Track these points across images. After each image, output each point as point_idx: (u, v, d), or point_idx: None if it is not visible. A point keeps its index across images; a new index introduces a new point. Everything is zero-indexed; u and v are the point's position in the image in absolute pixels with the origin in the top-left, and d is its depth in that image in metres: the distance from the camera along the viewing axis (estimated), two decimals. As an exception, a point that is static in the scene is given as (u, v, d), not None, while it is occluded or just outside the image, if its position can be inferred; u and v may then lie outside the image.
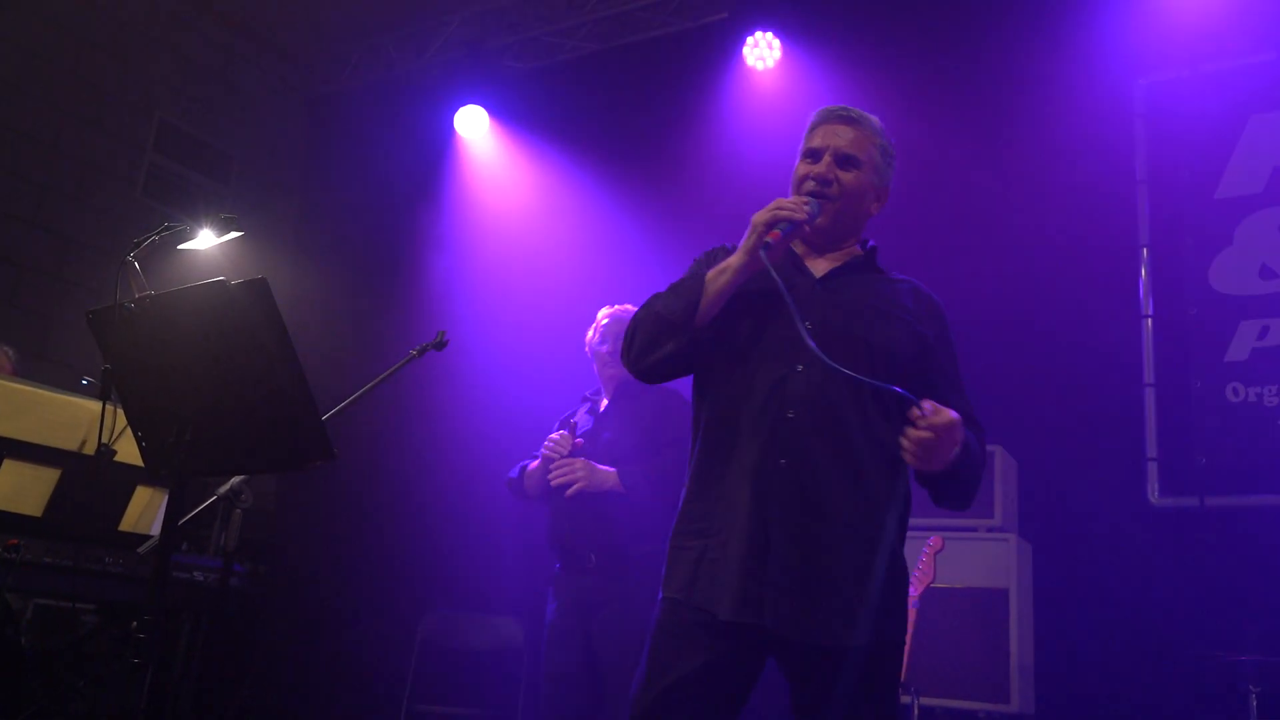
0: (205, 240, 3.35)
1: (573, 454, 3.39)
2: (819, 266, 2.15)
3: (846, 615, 1.90)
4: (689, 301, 2.01)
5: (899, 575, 1.99)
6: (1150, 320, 4.35)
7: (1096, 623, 4.01)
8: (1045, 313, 4.36)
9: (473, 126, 5.86)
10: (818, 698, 1.93)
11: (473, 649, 5.01)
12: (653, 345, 2.05)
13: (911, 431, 1.81)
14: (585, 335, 3.71)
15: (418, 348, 3.20)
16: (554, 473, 3.35)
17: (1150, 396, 4.26)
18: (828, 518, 1.93)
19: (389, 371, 3.06)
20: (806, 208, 2.01)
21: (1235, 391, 4.14)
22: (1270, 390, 4.06)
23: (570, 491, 3.30)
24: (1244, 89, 4.32)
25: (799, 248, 2.18)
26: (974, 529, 3.81)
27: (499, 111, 5.89)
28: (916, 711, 3.47)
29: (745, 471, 1.99)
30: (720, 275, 2.01)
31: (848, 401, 1.96)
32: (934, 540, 3.57)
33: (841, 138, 2.12)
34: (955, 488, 1.99)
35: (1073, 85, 4.50)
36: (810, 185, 2.10)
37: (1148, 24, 4.44)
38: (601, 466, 3.35)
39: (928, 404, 1.80)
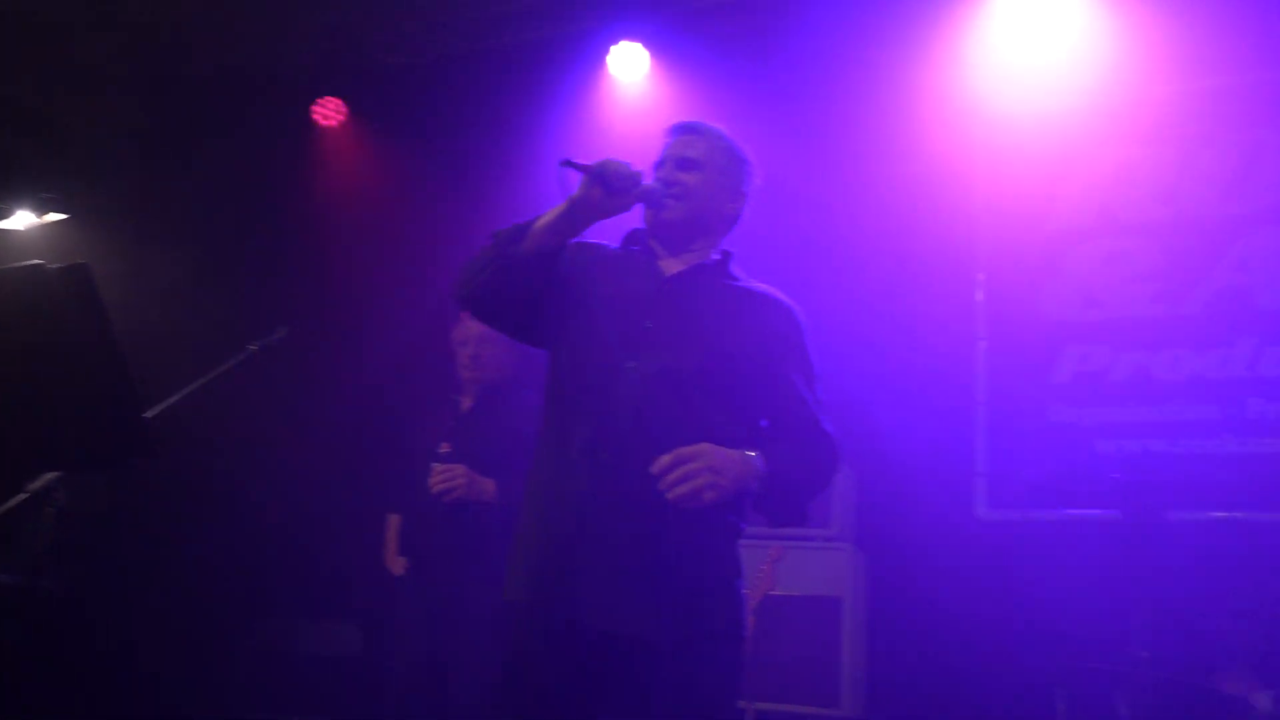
0: (22, 220, 3.15)
1: (445, 459, 3.32)
2: (670, 267, 2.20)
3: (653, 606, 1.93)
4: (520, 226, 2.09)
5: (722, 571, 2.01)
6: (984, 342, 4.57)
7: (926, 630, 4.18)
8: (886, 331, 4.53)
9: (332, 118, 5.74)
10: (631, 693, 1.94)
11: (312, 656, 4.88)
12: (478, 269, 2.11)
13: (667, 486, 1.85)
14: (440, 333, 3.67)
15: (257, 343, 3.11)
16: (434, 478, 3.28)
17: (981, 415, 4.49)
18: (641, 514, 1.95)
19: (224, 367, 2.96)
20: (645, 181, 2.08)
21: (1059, 412, 4.40)
22: (1089, 412, 4.33)
23: (448, 499, 3.24)
24: (1076, 124, 4.58)
25: (656, 248, 2.24)
26: (812, 539, 3.93)
27: (362, 106, 5.77)
28: (752, 717, 3.55)
29: (570, 465, 2.03)
30: (553, 210, 2.08)
31: (673, 401, 2.00)
32: (773, 549, 3.67)
33: (681, 146, 2.22)
34: (772, 503, 2.01)
35: (921, 112, 4.68)
36: (659, 192, 2.17)
37: (991, 57, 4.66)
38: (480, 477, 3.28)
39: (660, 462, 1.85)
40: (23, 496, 2.58)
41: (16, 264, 2.11)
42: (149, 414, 2.57)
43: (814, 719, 3.80)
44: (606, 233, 2.25)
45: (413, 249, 5.32)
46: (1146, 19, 4.32)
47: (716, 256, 2.23)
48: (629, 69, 5.21)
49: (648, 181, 2.12)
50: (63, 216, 3.02)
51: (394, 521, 3.86)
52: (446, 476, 3.23)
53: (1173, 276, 4.31)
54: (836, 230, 4.69)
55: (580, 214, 2.06)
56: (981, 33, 4.66)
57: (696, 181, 2.18)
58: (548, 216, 2.08)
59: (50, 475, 2.56)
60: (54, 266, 2.07)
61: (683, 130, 2.25)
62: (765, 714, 3.64)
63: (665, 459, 1.84)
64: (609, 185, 2.02)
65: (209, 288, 5.93)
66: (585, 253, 2.23)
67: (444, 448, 3.35)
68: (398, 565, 3.67)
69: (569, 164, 2.04)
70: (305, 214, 5.82)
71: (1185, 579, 3.76)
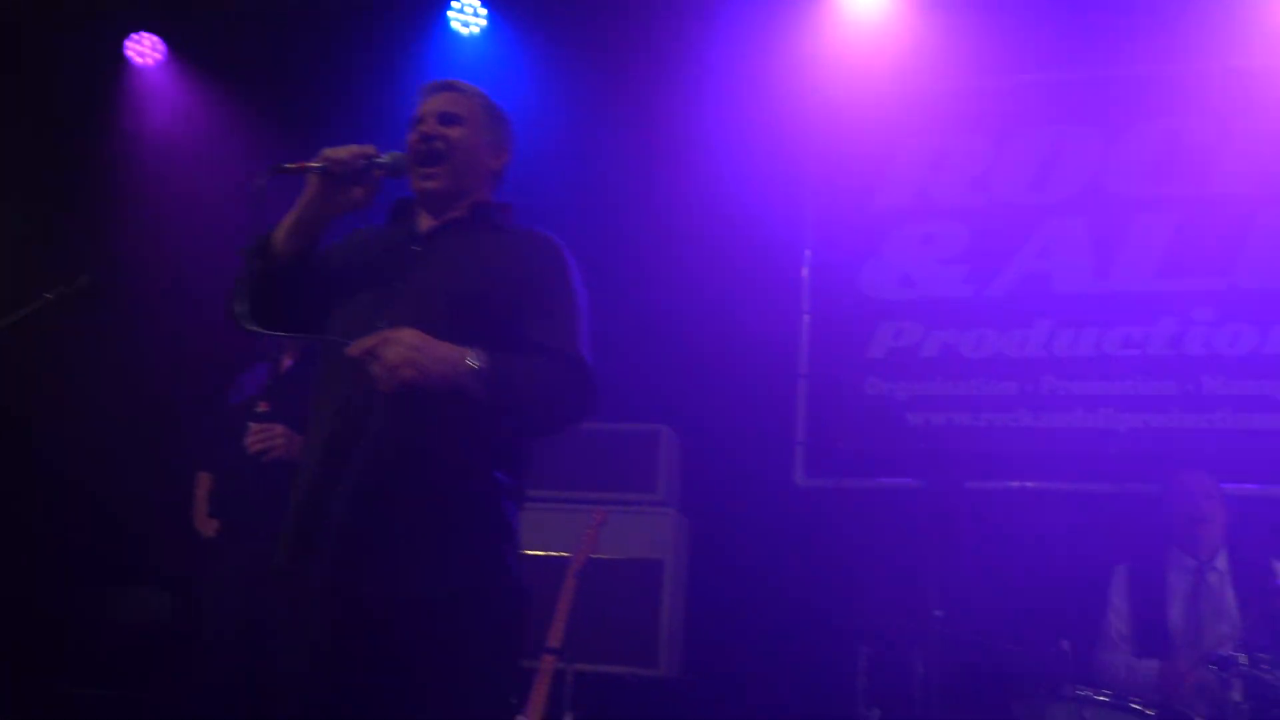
0: None
1: (263, 418, 3.21)
2: (427, 225, 2.17)
3: (400, 565, 1.91)
4: (264, 239, 2.03)
5: (479, 527, 1.98)
6: (808, 317, 4.75)
7: (743, 592, 4.34)
8: (715, 303, 4.64)
9: (147, 55, 5.41)
10: (388, 655, 1.89)
11: (120, 624, 4.68)
12: (235, 291, 2.01)
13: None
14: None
15: (56, 291, 2.92)
16: (252, 436, 3.16)
17: (802, 386, 4.67)
18: (387, 470, 1.93)
19: (15, 316, 2.77)
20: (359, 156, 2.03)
21: (873, 385, 4.62)
22: (900, 386, 4.57)
23: (266, 458, 3.12)
24: (899, 112, 4.79)
25: (420, 213, 2.19)
26: (638, 503, 4.01)
27: (181, 43, 5.45)
28: (571, 678, 3.61)
29: (322, 428, 2.01)
30: (289, 216, 2.03)
31: None
32: (597, 513, 3.71)
33: (442, 102, 2.18)
34: (505, 411, 1.98)
35: (756, 91, 4.79)
36: (418, 146, 2.12)
37: (825, 44, 4.81)
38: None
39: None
40: None
41: None
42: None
43: (633, 679, 3.90)
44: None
45: (233, 196, 5.07)
46: (963, 17, 4.58)
47: (473, 207, 2.19)
48: (468, 23, 5.13)
49: (387, 154, 2.06)
50: None
51: (205, 480, 3.71)
52: (265, 435, 3.13)
53: (981, 260, 4.59)
54: (670, 203, 4.75)
55: (317, 212, 2.02)
56: (816, 20, 4.80)
57: (460, 136, 2.14)
58: (286, 223, 2.02)
59: None
60: None
61: (443, 87, 2.20)
62: (585, 675, 3.70)
63: (367, 340, 1.83)
64: (334, 178, 1.98)
65: (12, 232, 5.51)
66: (350, 238, 2.20)
67: (262, 406, 3.24)
68: (209, 526, 3.54)
69: (281, 169, 1.97)
70: (116, 155, 5.47)
71: (981, 544, 4.04)
